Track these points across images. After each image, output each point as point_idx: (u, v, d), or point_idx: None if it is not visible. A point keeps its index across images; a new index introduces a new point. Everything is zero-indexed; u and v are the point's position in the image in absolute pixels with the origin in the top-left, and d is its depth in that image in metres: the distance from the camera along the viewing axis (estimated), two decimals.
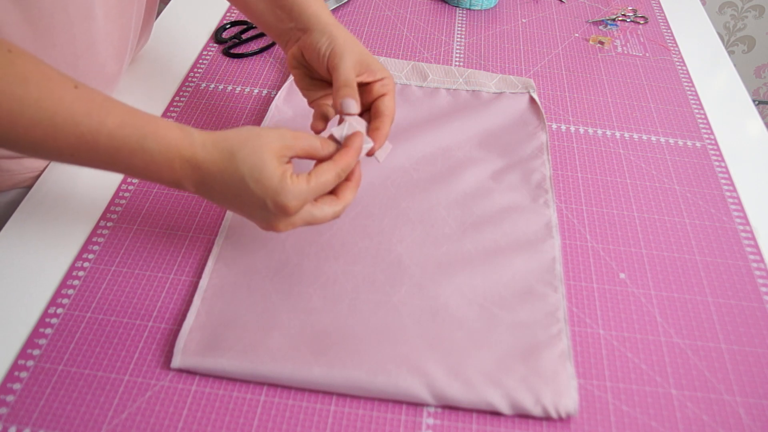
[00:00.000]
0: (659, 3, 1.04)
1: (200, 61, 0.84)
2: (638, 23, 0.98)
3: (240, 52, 0.86)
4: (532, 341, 0.54)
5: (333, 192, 0.52)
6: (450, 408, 0.50)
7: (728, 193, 0.70)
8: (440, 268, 0.59)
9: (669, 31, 0.97)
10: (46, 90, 0.45)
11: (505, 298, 0.57)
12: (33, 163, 0.67)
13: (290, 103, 0.77)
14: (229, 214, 0.63)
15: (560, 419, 0.50)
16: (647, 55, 0.92)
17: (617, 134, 0.77)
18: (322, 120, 0.59)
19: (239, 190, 0.48)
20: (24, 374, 0.50)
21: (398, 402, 0.51)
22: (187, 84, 0.80)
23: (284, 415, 0.49)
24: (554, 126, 0.78)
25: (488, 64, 0.87)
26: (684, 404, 0.52)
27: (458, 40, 0.92)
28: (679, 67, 0.89)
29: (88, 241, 0.61)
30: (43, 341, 0.53)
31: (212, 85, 0.80)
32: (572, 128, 0.77)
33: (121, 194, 0.65)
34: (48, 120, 0.45)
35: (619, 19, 0.99)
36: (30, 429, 0.47)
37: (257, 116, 0.76)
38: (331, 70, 0.57)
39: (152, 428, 0.48)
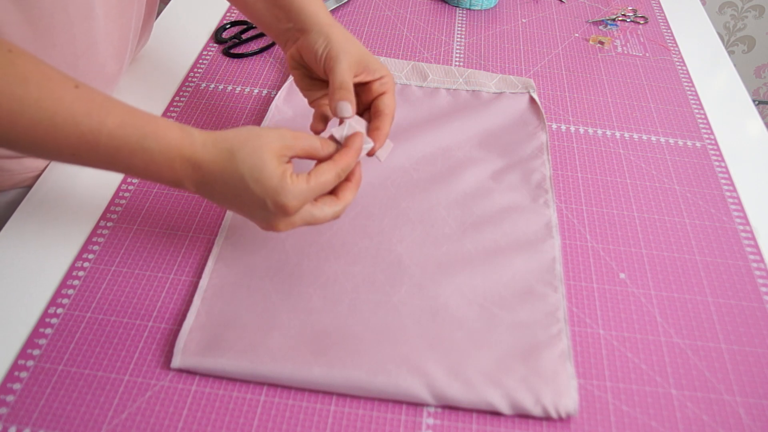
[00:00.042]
0: (659, 3, 1.04)
1: (200, 61, 0.84)
2: (638, 23, 0.98)
3: (240, 52, 0.86)
4: (532, 341, 0.54)
5: (333, 192, 0.52)
6: (450, 408, 0.50)
7: (728, 193, 0.70)
8: (440, 268, 0.59)
9: (669, 31, 0.97)
10: (46, 90, 0.45)
11: (505, 298, 0.57)
12: (33, 163, 0.67)
13: (290, 103, 0.77)
14: (229, 214, 0.63)
15: (560, 419, 0.50)
16: (647, 55, 0.92)
17: (617, 134, 0.77)
18: (321, 121, 0.59)
19: (239, 190, 0.48)
20: (24, 374, 0.50)
21: (398, 402, 0.51)
22: (187, 84, 0.80)
23: (284, 415, 0.49)
24: (554, 126, 0.78)
25: (488, 64, 0.87)
26: (684, 404, 0.52)
27: (458, 40, 0.92)
28: (679, 67, 0.89)
29: (88, 241, 0.61)
30: (43, 341, 0.53)
31: (212, 85, 0.80)
32: (572, 128, 0.77)
33: (121, 194, 0.65)
34: (48, 120, 0.45)
35: (619, 19, 0.99)
36: (30, 429, 0.47)
37: (257, 116, 0.76)
38: (328, 72, 0.56)
39: (152, 428, 0.48)
